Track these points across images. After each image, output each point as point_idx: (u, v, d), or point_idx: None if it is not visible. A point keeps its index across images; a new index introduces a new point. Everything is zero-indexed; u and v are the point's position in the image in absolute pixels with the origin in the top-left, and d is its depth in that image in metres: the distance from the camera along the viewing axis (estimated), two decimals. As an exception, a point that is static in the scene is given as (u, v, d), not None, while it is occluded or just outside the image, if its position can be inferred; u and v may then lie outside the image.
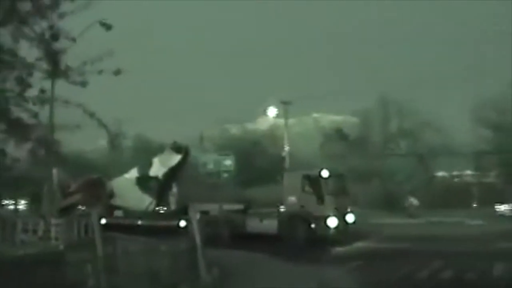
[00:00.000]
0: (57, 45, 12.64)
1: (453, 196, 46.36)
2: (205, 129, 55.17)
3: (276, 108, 45.06)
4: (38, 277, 10.35)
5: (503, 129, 52.85)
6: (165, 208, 26.72)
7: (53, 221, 17.62)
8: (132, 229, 19.75)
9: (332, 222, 25.00)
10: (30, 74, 12.25)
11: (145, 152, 39.40)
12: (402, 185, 47.70)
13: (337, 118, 74.84)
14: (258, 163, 39.28)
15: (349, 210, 26.38)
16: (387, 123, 60.91)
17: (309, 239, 24.48)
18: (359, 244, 23.82)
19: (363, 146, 56.74)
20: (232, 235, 26.04)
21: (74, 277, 11.05)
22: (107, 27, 12.98)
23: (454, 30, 68.68)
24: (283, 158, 41.80)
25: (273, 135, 52.04)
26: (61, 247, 15.33)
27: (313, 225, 24.94)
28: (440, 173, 57.30)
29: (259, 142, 51.12)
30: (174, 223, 26.82)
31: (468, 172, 57.56)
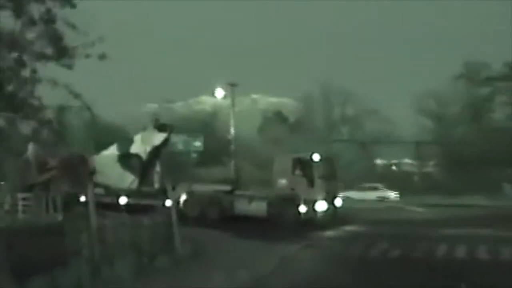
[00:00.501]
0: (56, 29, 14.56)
1: (392, 184, 50.38)
2: (147, 106, 56.63)
3: (223, 89, 47.06)
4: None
5: (443, 120, 57.97)
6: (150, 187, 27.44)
7: (20, 195, 19.11)
8: (113, 208, 20.80)
9: (321, 205, 26.96)
10: (32, 55, 14.16)
11: (93, 131, 41.28)
12: (344, 171, 51.26)
13: (276, 100, 77.09)
14: (206, 144, 41.60)
15: (337, 194, 28.72)
16: (329, 108, 64.73)
17: (297, 222, 26.24)
18: (347, 228, 26.03)
19: (304, 130, 59.60)
20: (219, 217, 27.89)
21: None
22: (72, 5, 14.62)
23: (401, 22, 72.98)
24: (229, 141, 44.09)
25: (218, 116, 54.31)
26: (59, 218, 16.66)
27: (302, 209, 26.82)
28: (380, 161, 61.92)
29: (207, 123, 53.33)
30: (159, 202, 27.51)
31: (407, 161, 62.48)
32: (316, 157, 27.51)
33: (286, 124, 61.13)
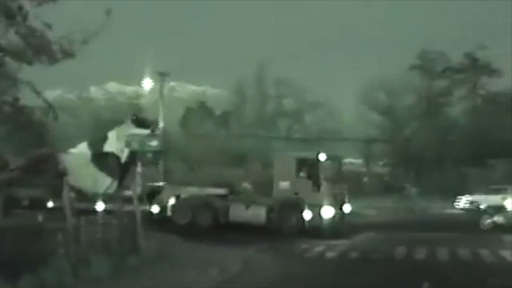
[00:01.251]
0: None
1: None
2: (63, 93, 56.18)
3: (152, 79, 47.69)
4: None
5: (394, 115, 60.47)
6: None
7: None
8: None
9: (328, 212, 26.94)
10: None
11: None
12: None
13: (198, 88, 77.71)
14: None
15: (346, 199, 28.90)
16: (264, 100, 66.23)
17: (301, 230, 26.52)
18: (359, 237, 26.37)
19: (234, 124, 60.55)
20: (212, 225, 27.96)
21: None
22: None
23: (350, 8, 75.43)
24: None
25: (146, 106, 54.90)
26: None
27: (306, 215, 26.89)
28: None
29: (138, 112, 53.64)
30: (143, 208, 27.21)
31: (351, 160, 64.73)
32: (322, 156, 27.59)
33: (212, 117, 61.99)
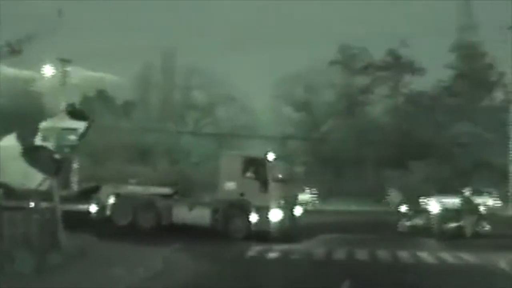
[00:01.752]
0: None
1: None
2: None
3: (53, 66, 48.06)
4: None
5: (310, 110, 62.74)
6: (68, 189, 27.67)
7: None
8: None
9: (276, 214, 27.88)
10: None
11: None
12: (198, 167, 53.84)
13: (95, 74, 77.43)
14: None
15: (297, 200, 30.17)
16: (171, 90, 67.36)
17: (246, 234, 27.58)
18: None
19: (137, 116, 61.16)
20: (154, 226, 28.91)
21: None
22: None
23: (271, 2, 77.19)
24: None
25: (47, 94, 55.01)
26: None
27: (253, 218, 27.82)
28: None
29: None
30: (81, 207, 28.64)
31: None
32: (271, 156, 28.49)
33: (112, 107, 62.27)
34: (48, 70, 49.37)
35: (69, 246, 18.85)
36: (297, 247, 25.64)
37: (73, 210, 26.43)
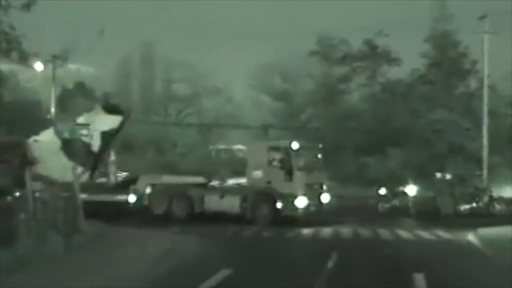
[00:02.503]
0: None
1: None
2: None
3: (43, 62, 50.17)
4: None
5: (289, 99, 65.48)
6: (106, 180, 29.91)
7: None
8: None
9: (301, 201, 29.77)
10: None
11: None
12: (185, 157, 56.33)
13: (72, 67, 78.81)
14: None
15: (324, 188, 31.74)
16: (150, 83, 69.92)
17: (273, 220, 29.44)
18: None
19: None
20: (187, 215, 30.85)
21: None
22: None
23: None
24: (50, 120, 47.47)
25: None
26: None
27: (279, 204, 29.75)
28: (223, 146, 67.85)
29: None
30: (120, 198, 30.70)
31: (240, 146, 68.58)
32: (295, 145, 30.31)
33: (91, 99, 63.98)
34: (38, 65, 51.42)
35: (87, 230, 21.67)
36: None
37: (112, 200, 29.55)
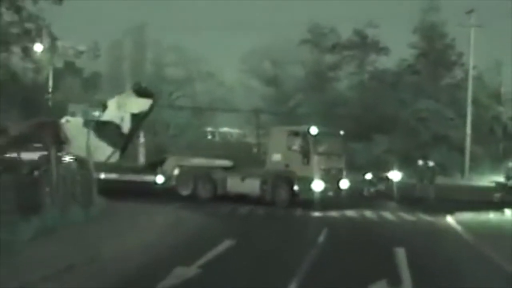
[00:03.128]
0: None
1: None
2: None
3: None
4: None
5: (277, 84, 67.59)
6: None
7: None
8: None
9: (318, 185, 30.83)
10: None
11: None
12: (176, 139, 58.26)
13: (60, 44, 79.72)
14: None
15: (344, 174, 32.88)
16: (142, 64, 71.99)
17: (291, 202, 30.89)
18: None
19: (106, 87, 64.99)
20: (211, 196, 32.63)
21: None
22: None
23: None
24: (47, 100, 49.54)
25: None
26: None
27: (296, 187, 31.09)
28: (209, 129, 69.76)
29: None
30: (148, 178, 32.01)
31: (226, 129, 70.50)
32: (313, 130, 31.26)
33: (80, 78, 65.40)
34: (38, 46, 53.39)
35: (100, 204, 24.12)
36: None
37: (141, 180, 30.80)
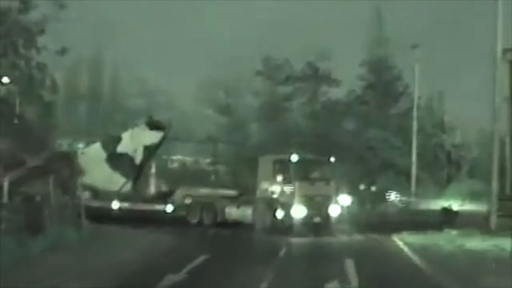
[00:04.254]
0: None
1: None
2: None
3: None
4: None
5: (231, 112, 70.97)
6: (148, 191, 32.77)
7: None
8: (106, 213, 25.56)
9: (298, 211, 32.85)
10: None
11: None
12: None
13: None
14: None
15: (334, 200, 34.60)
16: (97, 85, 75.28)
17: (273, 228, 32.79)
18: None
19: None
20: (213, 222, 34.93)
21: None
22: None
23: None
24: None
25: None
26: None
27: (279, 214, 33.08)
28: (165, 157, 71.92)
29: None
30: (158, 207, 34.17)
31: (179, 157, 72.71)
32: (294, 157, 33.55)
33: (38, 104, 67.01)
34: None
35: (88, 227, 27.56)
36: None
37: (151, 209, 32.88)
